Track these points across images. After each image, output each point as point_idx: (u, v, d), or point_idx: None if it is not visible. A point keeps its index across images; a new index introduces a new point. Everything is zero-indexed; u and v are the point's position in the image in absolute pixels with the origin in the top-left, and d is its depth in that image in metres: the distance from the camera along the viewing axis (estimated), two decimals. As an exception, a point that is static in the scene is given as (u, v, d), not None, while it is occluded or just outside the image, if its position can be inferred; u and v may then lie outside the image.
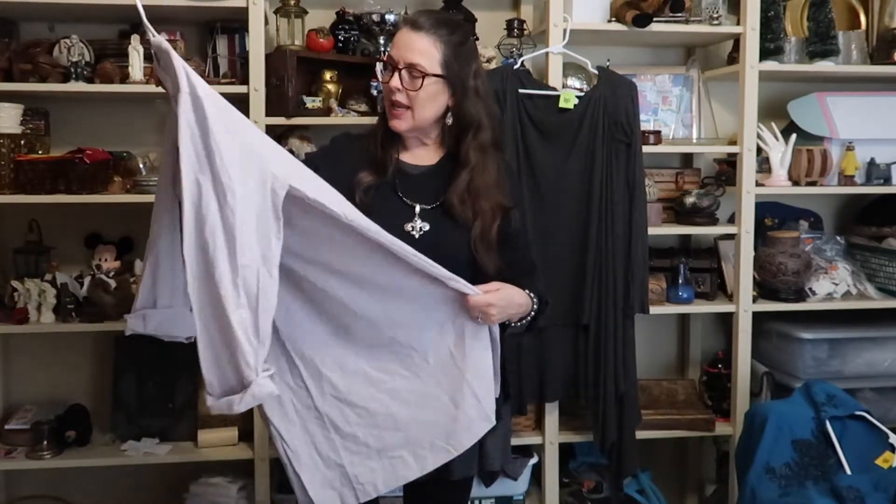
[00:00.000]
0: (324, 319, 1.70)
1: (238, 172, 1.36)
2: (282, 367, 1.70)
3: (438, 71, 1.73)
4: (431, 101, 1.75)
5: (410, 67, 1.72)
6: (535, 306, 1.81)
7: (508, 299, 1.74)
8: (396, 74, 1.72)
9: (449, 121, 1.79)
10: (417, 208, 1.78)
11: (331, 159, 1.83)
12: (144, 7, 1.45)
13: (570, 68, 2.68)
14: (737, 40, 2.74)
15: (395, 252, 1.56)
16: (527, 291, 1.80)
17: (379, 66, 2.50)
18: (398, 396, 1.73)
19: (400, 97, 1.73)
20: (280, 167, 1.43)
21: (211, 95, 1.37)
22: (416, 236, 1.74)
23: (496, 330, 1.79)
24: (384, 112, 1.85)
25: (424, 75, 1.71)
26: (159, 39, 1.41)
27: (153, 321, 1.72)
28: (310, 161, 1.85)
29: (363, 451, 1.73)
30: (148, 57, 2.48)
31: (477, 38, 2.52)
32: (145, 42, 2.50)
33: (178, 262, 1.68)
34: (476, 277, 1.74)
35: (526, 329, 1.87)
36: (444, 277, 1.63)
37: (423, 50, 1.72)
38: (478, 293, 1.68)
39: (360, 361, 1.72)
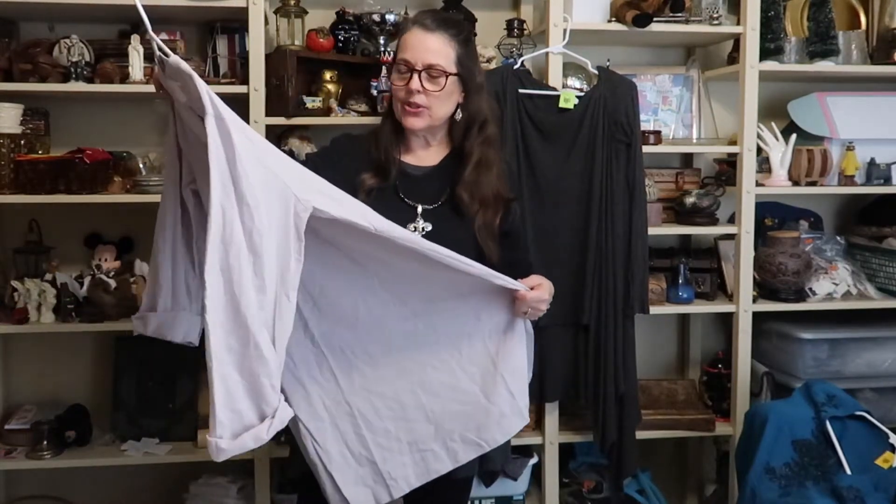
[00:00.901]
0: (353, 310, 1.69)
1: (263, 195, 1.36)
2: (309, 360, 1.70)
3: (454, 70, 1.75)
4: (447, 99, 1.78)
5: (429, 68, 1.73)
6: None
7: (552, 293, 1.78)
8: (416, 77, 1.73)
9: (458, 117, 1.81)
10: (419, 209, 1.79)
11: (331, 160, 1.84)
12: (144, 7, 1.44)
13: (570, 68, 2.68)
14: (737, 40, 2.74)
15: (429, 255, 1.56)
16: None
17: (385, 69, 2.51)
18: (429, 388, 1.72)
19: (419, 98, 1.74)
20: (303, 189, 1.44)
21: (235, 119, 1.37)
22: (419, 237, 1.75)
23: (530, 325, 1.80)
24: (387, 113, 1.85)
25: (447, 75, 1.74)
26: (177, 59, 1.41)
27: (153, 323, 1.73)
28: (310, 162, 1.86)
29: (394, 445, 1.72)
30: (148, 57, 2.48)
31: (475, 35, 2.53)
32: (146, 42, 2.50)
33: (178, 265, 1.70)
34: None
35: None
36: (488, 276, 1.65)
37: (440, 50, 1.74)
38: (526, 289, 1.70)
39: (391, 352, 1.71)
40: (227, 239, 1.32)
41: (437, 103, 1.76)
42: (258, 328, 1.33)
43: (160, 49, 1.44)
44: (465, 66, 1.78)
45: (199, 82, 1.36)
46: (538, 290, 1.74)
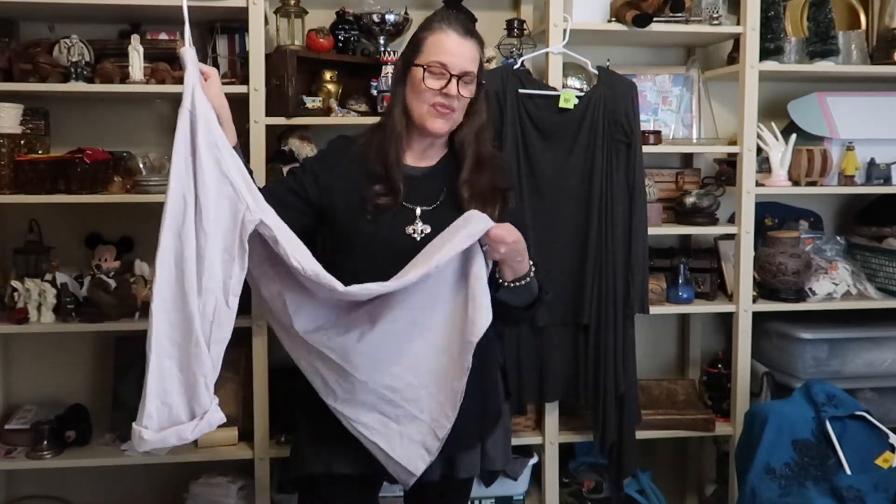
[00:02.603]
0: (328, 306, 1.69)
1: (214, 197, 1.37)
2: (312, 353, 1.70)
3: (478, 76, 1.79)
4: (467, 104, 1.80)
5: (466, 75, 1.75)
6: (532, 270, 1.78)
7: (519, 242, 1.71)
8: (455, 82, 1.73)
9: (466, 121, 1.83)
10: (418, 210, 1.78)
11: (328, 164, 1.84)
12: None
13: (570, 68, 2.68)
14: (737, 40, 2.75)
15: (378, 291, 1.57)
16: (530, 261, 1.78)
17: (386, 68, 2.51)
18: (414, 358, 1.71)
19: (452, 102, 1.75)
20: (255, 201, 1.45)
21: (206, 116, 1.38)
22: (418, 238, 1.75)
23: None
24: (387, 113, 1.84)
25: (480, 83, 1.78)
26: (184, 50, 1.46)
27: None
28: (308, 167, 1.86)
29: (422, 393, 1.70)
30: (148, 57, 2.48)
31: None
32: (146, 42, 2.51)
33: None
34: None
35: (524, 317, 1.86)
36: (456, 244, 1.61)
37: (475, 58, 1.78)
38: (491, 225, 1.66)
39: (375, 330, 1.69)
40: (184, 234, 1.34)
41: (462, 108, 1.79)
42: (200, 327, 1.34)
43: (183, 37, 1.49)
44: (482, 72, 1.82)
45: (190, 74, 1.38)
46: (501, 227, 1.69)
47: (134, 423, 1.35)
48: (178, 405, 1.36)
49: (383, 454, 1.72)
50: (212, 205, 1.37)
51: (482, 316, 1.65)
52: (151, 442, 1.35)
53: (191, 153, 1.36)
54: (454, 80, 1.73)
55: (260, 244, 1.53)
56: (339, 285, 1.56)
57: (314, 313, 1.69)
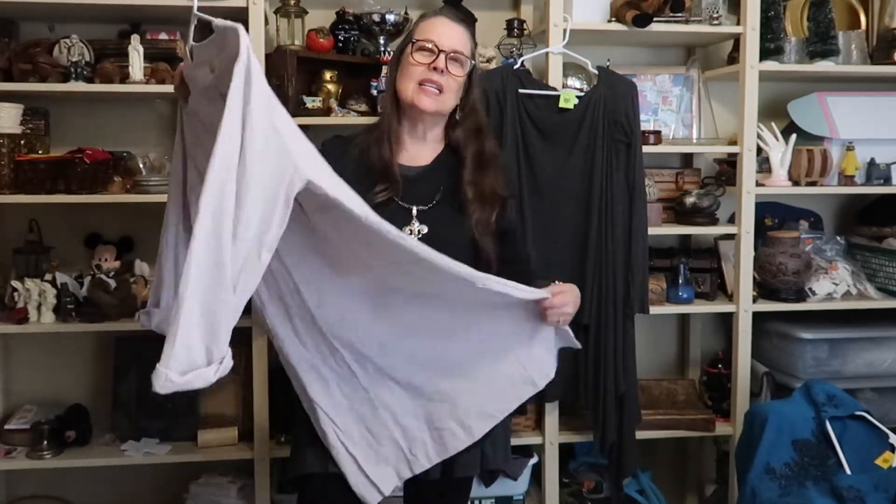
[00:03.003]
0: (358, 301, 1.71)
1: (261, 147, 1.38)
2: (323, 352, 1.73)
3: (471, 70, 1.81)
4: (458, 90, 1.81)
5: (455, 53, 1.77)
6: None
7: (576, 295, 1.80)
8: (443, 57, 1.75)
9: (458, 115, 1.84)
10: (414, 210, 1.78)
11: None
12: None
13: (570, 68, 2.68)
14: (737, 40, 2.74)
15: (431, 261, 1.56)
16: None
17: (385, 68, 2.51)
18: (441, 370, 1.75)
19: (439, 78, 1.76)
20: (305, 162, 1.45)
21: (259, 73, 1.40)
22: (415, 238, 1.75)
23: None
24: (382, 111, 1.85)
25: (471, 64, 1.79)
26: (222, 21, 1.48)
27: (156, 318, 1.76)
28: None
29: (413, 423, 1.76)
30: (148, 57, 2.48)
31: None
32: (146, 42, 2.50)
33: (181, 264, 1.67)
34: (477, 268, 1.75)
35: None
36: (511, 289, 1.66)
37: (465, 41, 1.81)
38: (549, 296, 1.73)
39: (401, 339, 1.73)
40: (225, 181, 1.34)
41: (451, 90, 1.79)
42: (230, 275, 1.35)
43: (201, 19, 1.51)
44: (474, 63, 1.84)
45: (242, 32, 1.39)
46: (560, 297, 1.76)
47: (158, 365, 1.37)
48: (200, 350, 1.38)
49: (356, 467, 1.75)
50: (257, 157, 1.38)
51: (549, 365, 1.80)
52: (177, 385, 1.37)
53: (242, 106, 1.38)
54: (442, 55, 1.76)
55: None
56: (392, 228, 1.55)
57: (336, 302, 1.70)
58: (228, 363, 1.39)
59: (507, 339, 1.80)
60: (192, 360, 1.37)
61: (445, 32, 1.78)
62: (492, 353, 1.79)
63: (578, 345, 1.92)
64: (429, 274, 1.60)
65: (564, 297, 1.77)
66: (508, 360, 1.80)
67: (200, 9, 1.57)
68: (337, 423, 1.73)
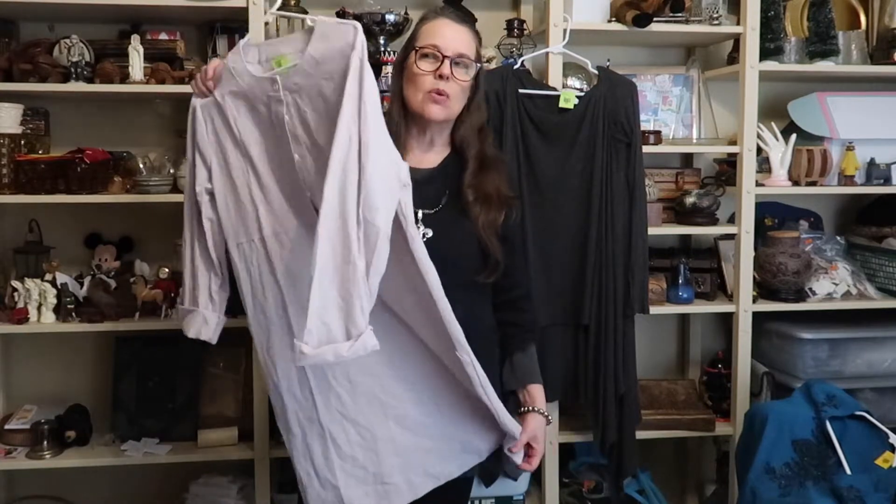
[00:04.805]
0: None
1: (376, 133, 1.51)
2: (290, 375, 1.70)
3: (477, 65, 1.78)
4: (465, 93, 1.79)
5: (460, 57, 1.74)
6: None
7: (543, 437, 1.87)
8: (448, 63, 1.72)
9: (465, 117, 1.82)
10: (420, 214, 1.76)
11: None
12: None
13: (570, 68, 2.68)
14: (737, 40, 2.75)
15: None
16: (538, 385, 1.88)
17: (387, 68, 2.52)
18: (403, 423, 1.72)
19: (447, 86, 1.73)
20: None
21: (369, 67, 1.54)
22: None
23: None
24: (387, 115, 1.84)
25: (477, 67, 1.77)
26: (328, 19, 1.62)
27: (179, 316, 1.84)
28: None
29: (359, 473, 1.72)
30: (148, 57, 2.48)
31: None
32: (146, 42, 2.50)
33: (197, 264, 1.76)
34: (481, 273, 1.76)
35: None
36: (493, 403, 1.71)
37: (469, 42, 1.77)
38: (518, 436, 1.78)
39: (373, 381, 1.70)
40: (348, 167, 1.45)
41: (458, 95, 1.76)
42: (358, 254, 1.43)
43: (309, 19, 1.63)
44: (480, 64, 1.81)
45: (359, 27, 1.54)
46: (538, 447, 1.85)
47: (294, 339, 1.45)
48: (336, 325, 1.43)
49: (333, 490, 1.72)
50: (373, 143, 1.48)
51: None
52: (310, 357, 1.43)
53: (358, 96, 1.50)
54: (447, 62, 1.72)
55: None
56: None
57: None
58: (368, 342, 1.44)
59: (464, 405, 1.76)
60: (329, 335, 1.43)
61: (448, 35, 1.75)
62: (449, 412, 1.76)
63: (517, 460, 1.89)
64: (421, 309, 1.63)
65: (539, 447, 1.85)
66: (465, 429, 1.77)
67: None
68: (291, 449, 1.74)
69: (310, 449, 1.72)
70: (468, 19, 1.83)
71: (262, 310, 1.72)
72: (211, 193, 1.71)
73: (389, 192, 1.51)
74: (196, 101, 1.71)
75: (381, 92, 2.50)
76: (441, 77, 1.72)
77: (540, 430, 1.86)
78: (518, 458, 1.83)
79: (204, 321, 1.78)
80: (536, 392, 1.87)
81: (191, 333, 1.79)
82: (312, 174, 1.61)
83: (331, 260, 1.43)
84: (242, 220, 1.70)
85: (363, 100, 1.49)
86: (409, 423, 1.72)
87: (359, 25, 1.54)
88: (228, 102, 1.68)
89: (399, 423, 1.72)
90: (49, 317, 2.52)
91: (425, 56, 1.74)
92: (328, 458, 1.71)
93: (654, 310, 2.63)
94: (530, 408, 1.86)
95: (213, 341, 1.80)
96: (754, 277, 2.79)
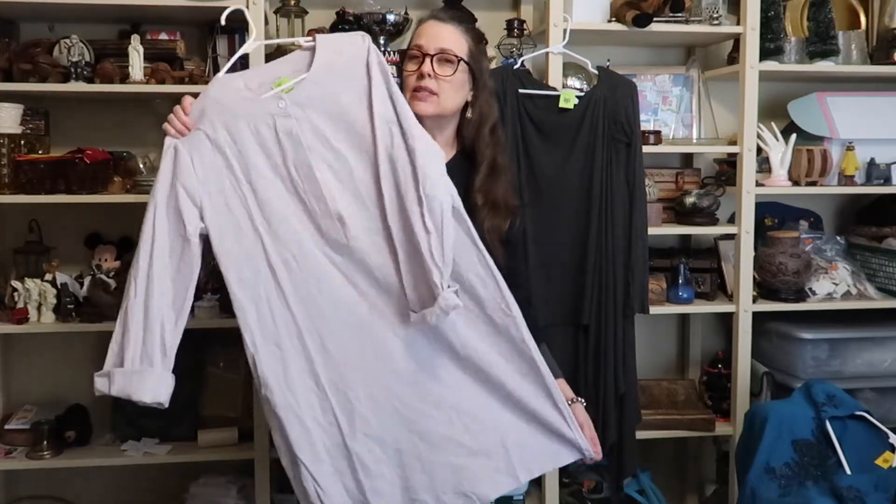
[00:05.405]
0: (361, 351, 1.67)
1: (416, 125, 1.65)
2: (313, 403, 1.66)
3: (466, 59, 1.77)
4: (458, 89, 1.78)
5: (443, 53, 1.75)
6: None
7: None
8: (428, 60, 1.74)
9: (469, 115, 1.82)
10: None
11: None
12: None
13: (570, 68, 2.68)
14: (737, 40, 2.75)
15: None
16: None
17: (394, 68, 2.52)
18: (428, 439, 1.69)
19: (429, 83, 1.74)
20: None
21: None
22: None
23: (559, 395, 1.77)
24: None
25: (459, 60, 1.76)
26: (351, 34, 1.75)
27: (118, 382, 1.63)
28: None
29: (388, 490, 1.69)
30: (148, 57, 2.48)
31: (486, 42, 2.54)
32: (146, 42, 2.50)
33: (152, 313, 1.61)
34: None
35: None
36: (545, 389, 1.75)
37: (454, 38, 1.77)
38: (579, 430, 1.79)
39: (394, 398, 1.68)
40: (395, 154, 1.63)
41: (448, 90, 1.76)
42: (421, 232, 1.59)
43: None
44: (477, 60, 1.80)
45: (366, 36, 1.71)
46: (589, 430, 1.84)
47: (437, 293, 1.57)
48: (425, 293, 1.59)
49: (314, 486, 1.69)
50: (414, 126, 1.63)
51: None
52: (451, 303, 1.56)
53: (388, 96, 1.63)
54: (427, 59, 1.74)
55: None
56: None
57: (337, 346, 1.69)
58: (447, 302, 1.57)
59: (500, 419, 1.74)
60: (423, 303, 1.61)
61: (431, 34, 1.76)
62: (484, 434, 1.72)
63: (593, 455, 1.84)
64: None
65: (593, 432, 1.86)
66: (497, 447, 1.73)
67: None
68: (318, 480, 1.66)
69: (339, 472, 1.68)
70: (461, 18, 1.83)
71: (274, 342, 1.66)
72: (203, 236, 1.63)
73: (439, 167, 1.62)
74: (173, 141, 1.64)
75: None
76: (422, 75, 1.74)
77: (587, 417, 1.87)
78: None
79: (159, 381, 1.62)
80: (563, 385, 1.85)
81: (146, 398, 1.60)
82: (339, 179, 1.64)
83: (408, 243, 1.59)
84: (245, 251, 1.63)
85: (391, 90, 1.62)
86: (434, 438, 1.69)
87: (366, 35, 1.67)
88: (221, 131, 1.63)
89: (423, 439, 1.69)
90: (49, 317, 2.52)
91: (412, 57, 1.77)
92: (357, 480, 1.68)
93: (654, 310, 2.63)
94: (570, 400, 1.84)
95: (166, 404, 1.63)
96: (754, 277, 2.79)
